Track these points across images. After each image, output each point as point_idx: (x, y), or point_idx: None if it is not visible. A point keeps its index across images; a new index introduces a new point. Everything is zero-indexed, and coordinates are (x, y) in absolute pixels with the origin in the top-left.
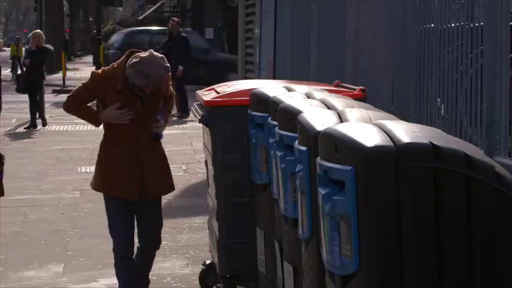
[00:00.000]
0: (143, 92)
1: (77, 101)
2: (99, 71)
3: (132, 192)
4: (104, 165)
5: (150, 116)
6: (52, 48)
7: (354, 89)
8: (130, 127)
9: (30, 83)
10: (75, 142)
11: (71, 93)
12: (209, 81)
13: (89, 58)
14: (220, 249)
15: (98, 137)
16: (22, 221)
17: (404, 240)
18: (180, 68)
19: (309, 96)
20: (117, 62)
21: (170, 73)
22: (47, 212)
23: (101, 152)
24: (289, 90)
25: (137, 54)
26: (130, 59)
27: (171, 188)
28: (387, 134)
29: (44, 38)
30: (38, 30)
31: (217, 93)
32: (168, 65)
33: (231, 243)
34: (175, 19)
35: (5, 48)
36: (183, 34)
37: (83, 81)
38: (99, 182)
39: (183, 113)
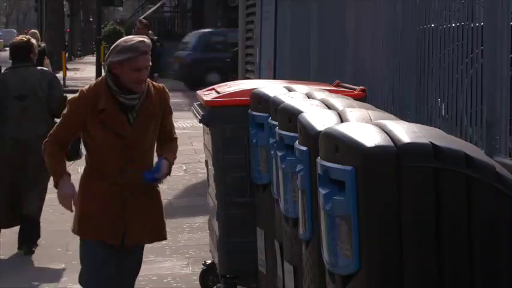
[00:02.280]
0: (135, 88)
1: (54, 143)
2: (77, 95)
3: (114, 234)
4: (81, 204)
5: (140, 142)
6: (44, 44)
7: (354, 89)
8: (115, 157)
9: None
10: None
11: (52, 131)
12: None
13: (89, 58)
14: (221, 249)
15: None
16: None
17: (404, 240)
18: (155, 74)
19: (309, 96)
20: (96, 80)
21: None
22: (47, 212)
23: (80, 189)
24: (290, 90)
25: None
26: (105, 60)
27: (159, 237)
28: (387, 134)
29: (39, 38)
30: (34, 30)
31: (218, 93)
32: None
33: (231, 243)
34: (143, 21)
35: (6, 48)
36: (152, 37)
37: (62, 113)
38: (79, 224)
39: None
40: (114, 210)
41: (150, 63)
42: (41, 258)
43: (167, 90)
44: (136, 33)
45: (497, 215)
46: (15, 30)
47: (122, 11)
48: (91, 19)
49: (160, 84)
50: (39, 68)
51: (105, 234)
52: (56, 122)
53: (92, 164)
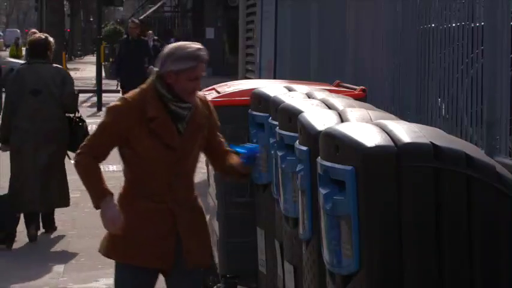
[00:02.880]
0: (188, 99)
1: (89, 155)
2: (119, 102)
3: (166, 258)
4: (124, 225)
5: (189, 155)
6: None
7: (355, 89)
8: (163, 171)
9: None
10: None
11: (84, 142)
12: None
13: (90, 58)
14: (221, 249)
15: None
16: (22, 221)
17: (404, 240)
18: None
19: (309, 96)
20: (140, 86)
21: (125, 81)
22: None
23: (123, 211)
24: (290, 90)
25: (160, 54)
26: (157, 66)
27: (212, 257)
28: (388, 134)
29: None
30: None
31: (218, 93)
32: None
33: (231, 243)
34: (135, 21)
35: (5, 48)
36: (143, 37)
37: (99, 123)
38: (116, 247)
39: None
40: (164, 231)
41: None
42: (41, 258)
43: (209, 101)
44: (130, 33)
45: (497, 215)
46: (18, 30)
47: (122, 11)
48: (91, 19)
49: (202, 95)
50: (55, 65)
51: (154, 260)
52: (67, 117)
53: (134, 180)
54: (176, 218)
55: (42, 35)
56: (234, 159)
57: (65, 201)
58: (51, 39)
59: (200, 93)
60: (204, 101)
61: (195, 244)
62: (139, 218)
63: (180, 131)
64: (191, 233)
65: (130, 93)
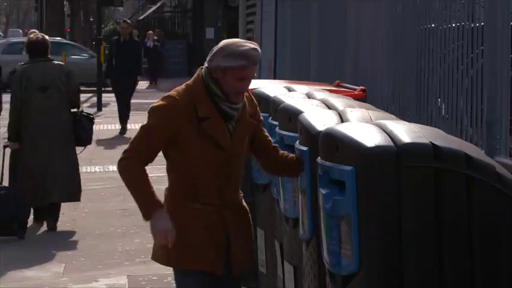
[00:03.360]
0: (233, 99)
1: (137, 160)
2: (164, 101)
3: (218, 263)
4: (176, 231)
5: (238, 155)
6: None
7: (355, 89)
8: (213, 173)
9: None
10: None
11: (128, 146)
12: None
13: None
14: None
15: (99, 136)
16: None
17: (404, 240)
18: (138, 78)
19: (309, 96)
20: (186, 83)
21: (116, 81)
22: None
23: (171, 215)
24: (290, 90)
25: (212, 49)
26: (206, 62)
27: (252, 261)
28: (388, 134)
29: None
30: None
31: None
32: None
33: None
34: (128, 21)
35: None
36: (135, 38)
37: (143, 125)
38: (172, 253)
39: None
40: (216, 235)
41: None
42: (41, 258)
43: (254, 98)
44: (121, 34)
45: (497, 215)
46: (20, 31)
47: (122, 11)
48: (91, 19)
49: (247, 93)
50: (56, 62)
51: (209, 264)
52: (74, 112)
53: (180, 182)
54: (226, 221)
55: (40, 35)
56: (287, 157)
57: (75, 196)
58: (47, 37)
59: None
60: (249, 98)
61: (241, 248)
62: (191, 220)
63: (230, 131)
64: (238, 236)
65: (176, 91)
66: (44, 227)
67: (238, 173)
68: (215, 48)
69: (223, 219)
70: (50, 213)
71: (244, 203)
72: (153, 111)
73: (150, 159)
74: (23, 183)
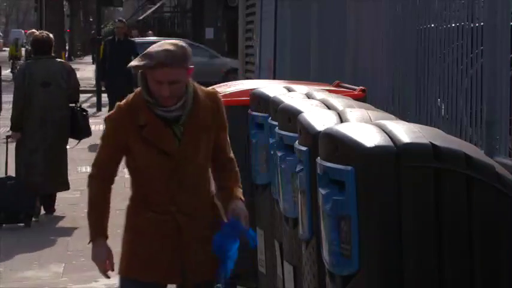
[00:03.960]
0: (162, 102)
1: (99, 176)
2: (113, 111)
3: (172, 272)
4: (129, 239)
5: (191, 160)
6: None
7: (354, 89)
8: (163, 180)
9: None
10: (75, 142)
11: (93, 161)
12: None
13: (90, 58)
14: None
15: (99, 136)
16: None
17: (404, 240)
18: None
19: (309, 96)
20: (136, 90)
21: (111, 83)
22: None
23: (126, 220)
24: (290, 90)
25: None
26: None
27: (216, 267)
28: (387, 134)
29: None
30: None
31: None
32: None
33: None
34: (123, 20)
35: (5, 49)
36: (135, 38)
37: (101, 136)
38: (122, 261)
39: None
40: (169, 244)
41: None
42: (41, 258)
43: (220, 97)
44: (116, 33)
45: (497, 215)
46: (22, 31)
47: (121, 11)
48: (91, 19)
49: (211, 89)
50: (58, 59)
51: (161, 275)
52: (72, 107)
53: (136, 191)
54: (182, 230)
55: (44, 33)
56: (227, 190)
57: (67, 185)
58: (51, 36)
59: (211, 88)
60: (212, 98)
61: (202, 257)
62: (144, 230)
63: (177, 135)
64: (199, 245)
65: (126, 99)
66: (44, 228)
67: (197, 179)
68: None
69: (179, 227)
70: (49, 199)
71: (211, 211)
72: (105, 122)
73: (111, 171)
74: (26, 173)
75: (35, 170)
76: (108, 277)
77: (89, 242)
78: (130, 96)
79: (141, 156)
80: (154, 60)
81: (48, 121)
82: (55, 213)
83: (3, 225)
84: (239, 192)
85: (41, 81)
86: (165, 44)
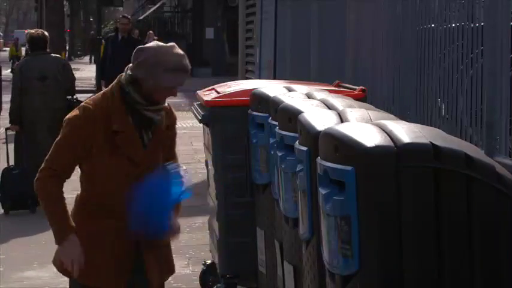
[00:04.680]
0: (161, 102)
1: (52, 175)
2: (79, 111)
3: (120, 279)
4: (86, 245)
5: (152, 168)
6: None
7: (354, 89)
8: (123, 188)
9: None
10: None
11: (43, 163)
12: None
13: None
14: (221, 249)
15: None
16: (22, 221)
17: (404, 240)
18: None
19: (309, 96)
20: (103, 92)
21: (110, 82)
22: None
23: (79, 226)
24: (290, 90)
25: (138, 62)
26: (132, 70)
27: (172, 270)
28: (387, 134)
29: None
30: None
31: (218, 93)
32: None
33: (231, 243)
34: (127, 16)
35: (5, 49)
36: (134, 36)
37: (59, 136)
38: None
39: None
40: (123, 251)
41: None
42: (41, 258)
43: (174, 113)
44: (120, 30)
45: (497, 215)
46: (26, 31)
47: (121, 11)
48: (91, 19)
49: (166, 104)
50: (54, 55)
51: (108, 280)
52: (68, 99)
53: (92, 195)
54: (138, 237)
55: (39, 31)
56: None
57: None
58: (46, 33)
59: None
60: (168, 110)
61: (157, 262)
62: (97, 236)
63: (144, 143)
64: (154, 251)
65: (93, 100)
66: (44, 228)
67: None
68: (145, 59)
69: (134, 235)
70: None
71: None
72: (67, 123)
73: (67, 174)
74: (28, 162)
75: (36, 153)
76: (75, 276)
77: (59, 241)
78: (99, 99)
79: (108, 164)
80: (186, 70)
81: (45, 112)
82: None
83: (10, 212)
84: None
85: (37, 75)
86: (173, 49)
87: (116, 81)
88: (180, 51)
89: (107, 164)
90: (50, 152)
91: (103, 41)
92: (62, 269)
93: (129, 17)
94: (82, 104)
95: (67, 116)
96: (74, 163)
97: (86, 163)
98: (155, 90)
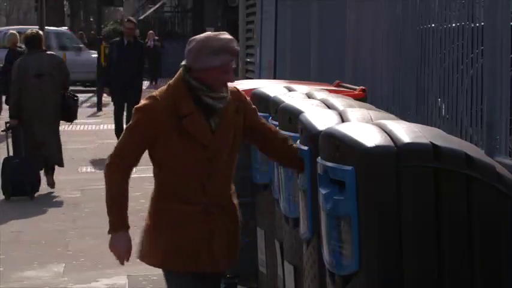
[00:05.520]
0: (221, 87)
1: (121, 164)
2: (148, 101)
3: (205, 262)
4: (159, 232)
5: (222, 152)
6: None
7: (355, 89)
8: (195, 172)
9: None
10: (75, 142)
11: (114, 149)
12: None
13: None
14: None
15: (99, 136)
16: (22, 221)
17: (404, 240)
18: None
19: (309, 96)
20: (168, 83)
21: (121, 91)
22: (47, 211)
23: (152, 212)
24: (290, 90)
25: (188, 49)
26: (186, 61)
27: (238, 259)
28: (388, 134)
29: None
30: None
31: None
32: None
33: None
34: (133, 20)
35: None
36: (140, 40)
37: (127, 126)
38: (159, 254)
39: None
40: (202, 234)
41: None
42: (41, 258)
43: (242, 92)
44: (125, 34)
45: (497, 215)
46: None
47: (122, 11)
48: (91, 19)
49: (233, 86)
50: (49, 52)
51: (199, 263)
52: (64, 93)
53: (166, 182)
54: (211, 220)
55: (35, 30)
56: (291, 150)
57: (62, 161)
58: (41, 32)
59: (231, 85)
60: (235, 91)
61: (224, 247)
62: (176, 221)
63: (212, 128)
64: (223, 235)
65: (159, 91)
66: (44, 225)
67: (224, 172)
68: (193, 50)
69: (209, 219)
70: (48, 174)
71: (234, 202)
72: (136, 112)
73: (136, 161)
74: (27, 153)
75: (33, 144)
76: (123, 264)
77: (111, 232)
78: (164, 89)
79: (176, 147)
80: (231, 52)
81: (42, 106)
82: (55, 213)
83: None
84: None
85: (34, 72)
86: (221, 35)
87: (178, 72)
88: (228, 36)
89: (177, 148)
90: (119, 140)
91: (103, 42)
92: (160, 262)
93: (135, 20)
94: (150, 94)
95: (136, 106)
96: (142, 150)
97: (155, 151)
98: (205, 73)
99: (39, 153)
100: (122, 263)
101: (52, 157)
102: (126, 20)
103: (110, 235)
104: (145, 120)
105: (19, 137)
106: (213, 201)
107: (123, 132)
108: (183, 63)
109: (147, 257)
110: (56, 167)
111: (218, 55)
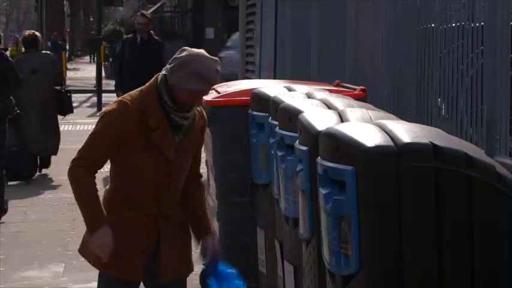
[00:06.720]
0: (188, 108)
1: (85, 167)
2: (116, 106)
3: (138, 270)
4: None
5: (181, 168)
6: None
7: (355, 89)
8: (153, 184)
9: None
10: (74, 142)
11: (77, 153)
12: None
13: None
14: (221, 249)
15: None
16: (22, 221)
17: (404, 240)
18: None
19: (309, 96)
20: (141, 89)
21: (126, 91)
22: (47, 212)
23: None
24: (290, 90)
25: (174, 57)
26: (166, 69)
27: (190, 268)
28: (388, 134)
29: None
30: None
31: (218, 93)
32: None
33: (231, 243)
34: (147, 15)
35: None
36: (156, 37)
37: (94, 128)
38: (93, 254)
39: None
40: (147, 244)
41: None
42: (41, 258)
43: (205, 114)
44: (139, 31)
45: (497, 215)
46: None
47: (122, 11)
48: (91, 19)
49: (200, 108)
50: (44, 52)
51: (132, 273)
52: (57, 89)
53: (121, 186)
54: (159, 231)
55: (31, 32)
56: (199, 219)
57: (57, 150)
58: (38, 34)
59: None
60: (201, 113)
61: (175, 259)
62: (125, 229)
63: (177, 143)
64: (171, 246)
65: (130, 96)
66: (44, 225)
67: (178, 185)
68: (177, 61)
69: (157, 229)
70: (43, 162)
71: (182, 214)
72: (103, 116)
73: (100, 166)
74: (24, 142)
75: (27, 135)
76: (107, 259)
77: (91, 231)
78: (136, 94)
79: (140, 158)
80: (208, 82)
81: (37, 100)
82: (55, 213)
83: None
84: (209, 220)
85: (30, 69)
86: (210, 61)
87: (154, 78)
88: (215, 66)
89: (140, 158)
90: (84, 143)
91: (102, 42)
92: (94, 261)
93: (149, 15)
94: (120, 98)
95: (104, 109)
96: (107, 155)
97: (118, 156)
98: (176, 90)
99: (30, 145)
100: (106, 259)
101: (48, 148)
102: (139, 14)
103: (91, 236)
104: (113, 126)
105: (15, 129)
106: (163, 213)
107: (89, 136)
108: (164, 71)
109: (86, 253)
110: (56, 166)
111: (196, 79)
